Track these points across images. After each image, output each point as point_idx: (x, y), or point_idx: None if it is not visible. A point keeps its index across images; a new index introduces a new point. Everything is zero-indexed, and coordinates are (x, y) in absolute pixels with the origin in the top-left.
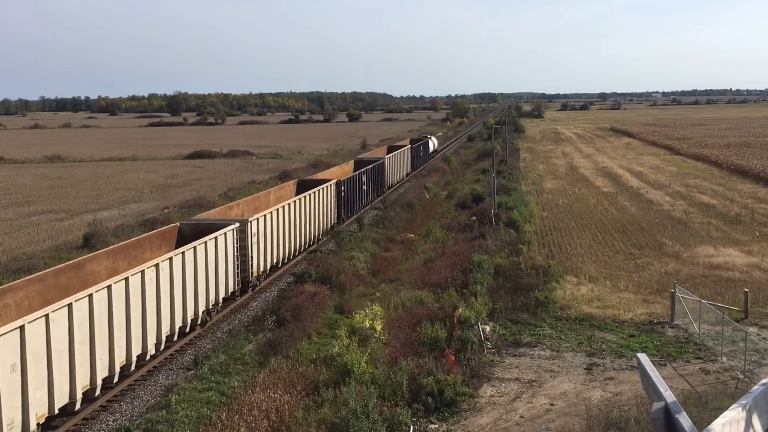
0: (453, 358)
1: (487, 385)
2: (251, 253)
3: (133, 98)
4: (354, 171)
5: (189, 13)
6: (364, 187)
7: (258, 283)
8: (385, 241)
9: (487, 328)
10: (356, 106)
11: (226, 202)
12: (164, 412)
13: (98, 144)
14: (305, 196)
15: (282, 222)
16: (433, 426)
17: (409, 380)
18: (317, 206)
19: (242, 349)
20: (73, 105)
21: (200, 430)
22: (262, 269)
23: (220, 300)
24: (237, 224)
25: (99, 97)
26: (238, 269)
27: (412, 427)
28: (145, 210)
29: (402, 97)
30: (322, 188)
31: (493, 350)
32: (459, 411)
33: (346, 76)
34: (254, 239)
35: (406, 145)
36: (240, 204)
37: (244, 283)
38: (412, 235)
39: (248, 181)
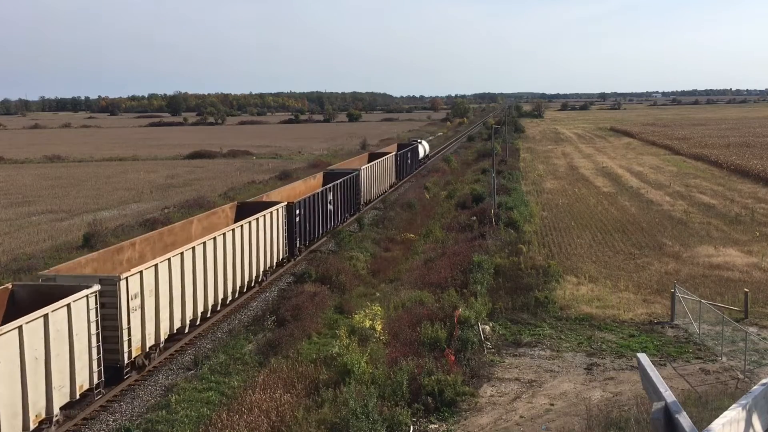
0: (453, 358)
1: (487, 385)
2: (127, 324)
3: (133, 98)
4: (323, 185)
5: (189, 13)
6: (331, 207)
7: (147, 362)
8: (385, 241)
9: (487, 328)
10: (356, 106)
11: (226, 202)
12: (164, 412)
13: (98, 144)
14: (230, 231)
15: (190, 269)
16: (433, 426)
17: (409, 380)
18: (254, 240)
19: (242, 349)
20: (73, 105)
21: (200, 430)
22: (152, 342)
23: (56, 411)
24: (95, 287)
25: (99, 97)
26: (99, 353)
27: (412, 427)
28: (145, 210)
29: (402, 97)
30: (264, 216)
31: (493, 350)
32: (459, 411)
33: (346, 76)
34: (136, 302)
35: (390, 153)
36: (139, 243)
37: (115, 369)
38: (412, 235)
39: (248, 181)
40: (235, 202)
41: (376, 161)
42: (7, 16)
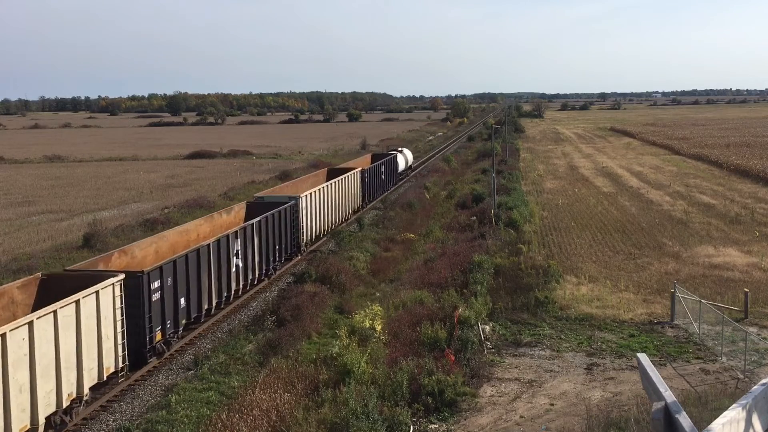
0: (453, 358)
1: (487, 385)
2: None
3: (133, 98)
4: (246, 220)
5: (189, 13)
6: (239, 261)
7: None
8: (385, 241)
9: (487, 328)
10: (356, 106)
11: (225, 203)
12: (164, 412)
13: (98, 144)
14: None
15: None
16: (433, 426)
17: (409, 380)
18: (39, 357)
19: (242, 349)
20: (73, 105)
21: (200, 430)
22: None
23: None
24: None
25: (99, 97)
26: None
27: (412, 427)
28: (145, 210)
29: (402, 97)
30: (59, 309)
31: (493, 350)
32: (459, 411)
33: (346, 76)
34: None
35: (355, 168)
36: None
37: None
38: (412, 235)
39: (248, 181)
40: (38, 275)
41: (331, 182)
42: (7, 16)
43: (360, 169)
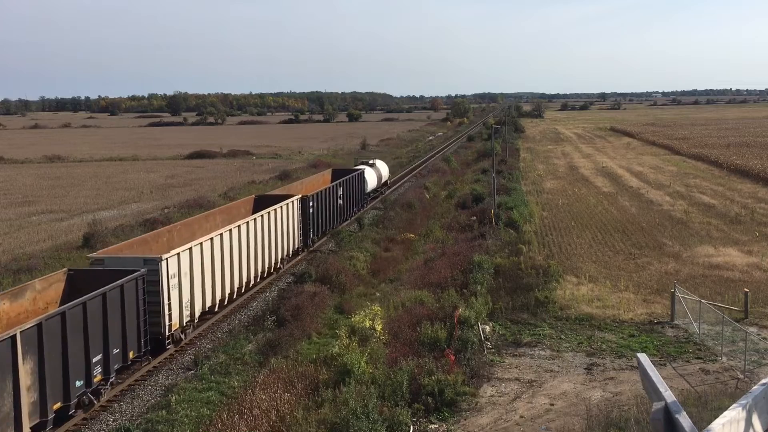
0: (453, 358)
1: (487, 385)
2: None
3: (133, 98)
4: (67, 300)
5: (189, 13)
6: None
7: None
8: (385, 241)
9: (487, 328)
10: (356, 106)
11: (226, 203)
12: (164, 412)
13: (98, 144)
14: None
15: None
16: (433, 426)
17: (409, 380)
18: None
19: (242, 349)
20: (73, 105)
21: (200, 430)
22: None
23: None
24: None
25: (99, 97)
26: None
27: (412, 427)
28: (145, 210)
29: (402, 97)
30: None
31: (493, 350)
32: (459, 411)
33: (345, 76)
34: None
35: (293, 196)
36: None
37: None
38: (412, 235)
39: (248, 181)
40: None
41: (232, 226)
42: (7, 16)
43: (299, 196)
